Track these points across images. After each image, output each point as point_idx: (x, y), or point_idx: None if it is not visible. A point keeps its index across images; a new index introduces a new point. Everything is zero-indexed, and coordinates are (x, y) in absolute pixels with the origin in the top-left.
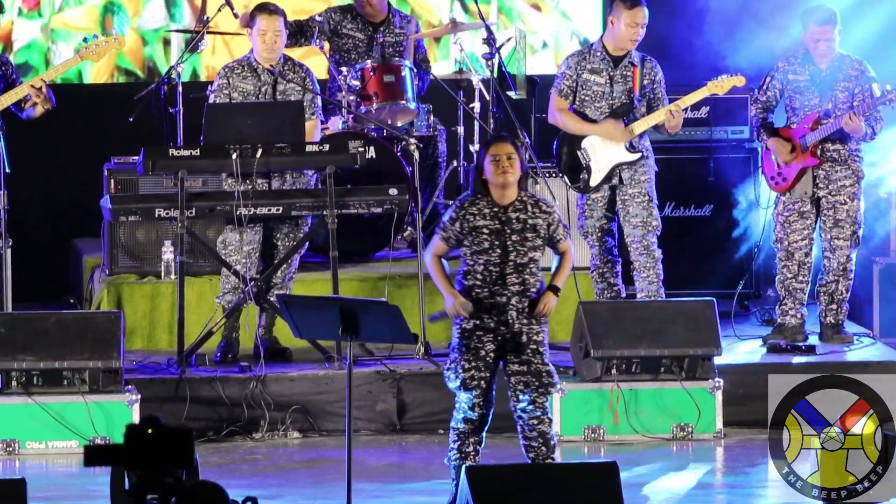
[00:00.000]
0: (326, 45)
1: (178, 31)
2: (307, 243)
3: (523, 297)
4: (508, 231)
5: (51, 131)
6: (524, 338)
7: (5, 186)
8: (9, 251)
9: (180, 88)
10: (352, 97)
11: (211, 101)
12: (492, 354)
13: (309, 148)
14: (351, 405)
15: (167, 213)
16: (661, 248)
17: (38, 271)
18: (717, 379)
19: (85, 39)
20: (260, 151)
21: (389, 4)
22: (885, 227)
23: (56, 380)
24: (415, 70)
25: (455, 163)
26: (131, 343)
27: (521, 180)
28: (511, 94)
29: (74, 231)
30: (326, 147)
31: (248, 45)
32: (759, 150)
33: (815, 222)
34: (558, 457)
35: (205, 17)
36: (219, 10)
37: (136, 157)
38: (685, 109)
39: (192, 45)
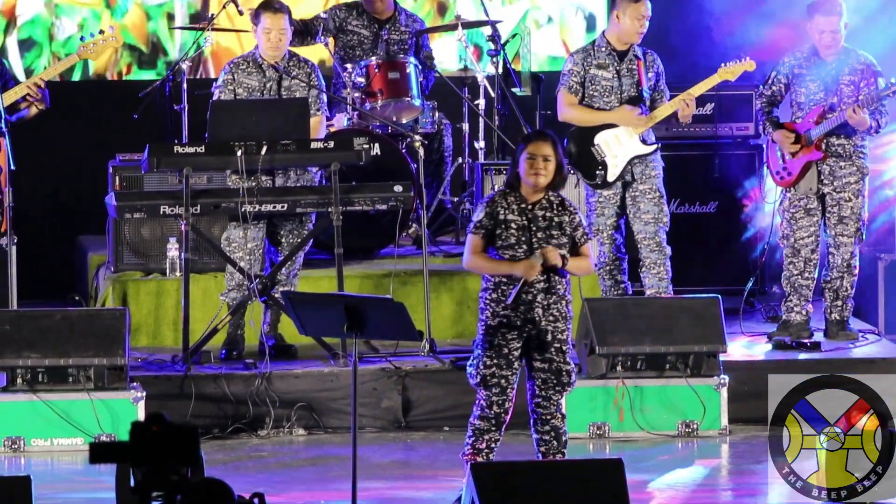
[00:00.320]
0: (331, 42)
1: (182, 28)
2: (312, 240)
3: (548, 294)
4: (534, 228)
5: (56, 128)
6: (549, 336)
7: (11, 183)
8: (14, 248)
9: (185, 85)
10: (357, 94)
11: (216, 96)
12: (515, 352)
13: (314, 145)
14: (356, 402)
15: (172, 210)
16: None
17: (43, 268)
18: (722, 376)
19: (82, 38)
20: (265, 148)
21: (395, 2)
22: (890, 223)
23: (61, 377)
24: (419, 67)
25: (460, 159)
26: (136, 340)
27: (557, 183)
28: (516, 90)
29: (79, 228)
30: (331, 144)
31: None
32: (765, 144)
33: (821, 219)
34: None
35: (210, 14)
36: (223, 7)
37: (141, 154)
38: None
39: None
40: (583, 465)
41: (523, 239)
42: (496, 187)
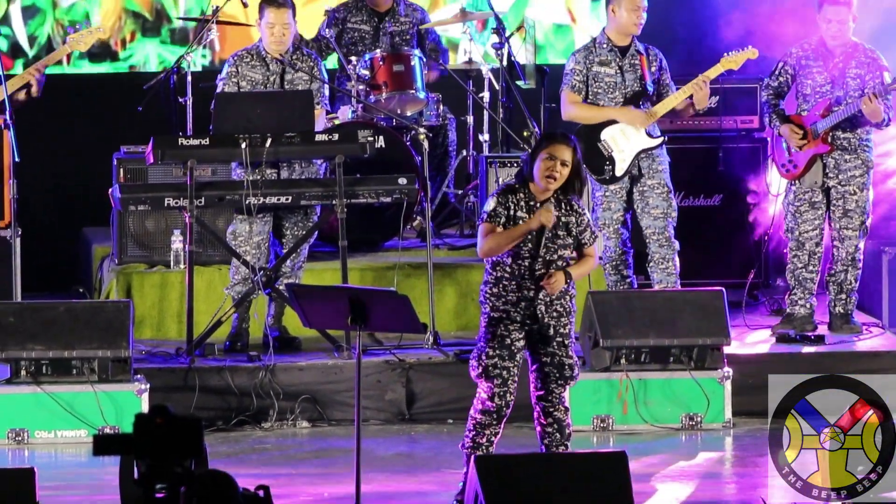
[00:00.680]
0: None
1: (185, 18)
2: (316, 233)
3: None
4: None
5: (60, 120)
6: (552, 331)
7: (15, 175)
8: (18, 240)
9: (189, 78)
10: (361, 87)
11: (219, 88)
12: (518, 344)
13: (318, 137)
14: (360, 395)
15: (177, 203)
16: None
17: (47, 260)
18: (726, 369)
19: (68, 31)
20: (269, 141)
21: None
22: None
23: (65, 369)
24: (425, 59)
25: (465, 152)
26: (140, 332)
27: (570, 189)
28: (520, 83)
29: (84, 220)
30: (336, 136)
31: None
32: (770, 137)
33: (826, 212)
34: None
35: (214, 7)
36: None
37: (146, 147)
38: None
39: (200, 36)
40: (586, 458)
41: (529, 237)
42: (500, 180)
